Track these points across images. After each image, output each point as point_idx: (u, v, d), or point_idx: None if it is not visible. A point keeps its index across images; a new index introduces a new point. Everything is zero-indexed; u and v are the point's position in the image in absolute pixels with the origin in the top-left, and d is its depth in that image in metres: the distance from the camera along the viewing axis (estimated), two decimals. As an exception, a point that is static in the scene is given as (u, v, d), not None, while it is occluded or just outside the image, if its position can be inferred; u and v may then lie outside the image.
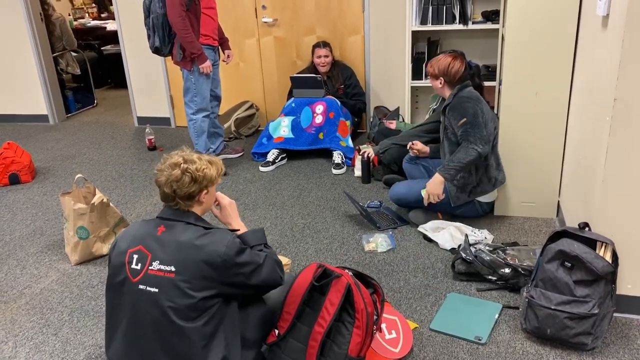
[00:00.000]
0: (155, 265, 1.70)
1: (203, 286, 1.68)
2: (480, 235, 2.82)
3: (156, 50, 3.79)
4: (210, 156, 1.88)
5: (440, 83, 2.97)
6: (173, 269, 1.68)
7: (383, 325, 2.13)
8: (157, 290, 1.68)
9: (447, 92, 2.99)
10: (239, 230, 1.95)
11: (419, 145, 3.29)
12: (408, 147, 3.34)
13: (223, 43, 4.09)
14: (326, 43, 4.41)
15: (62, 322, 2.43)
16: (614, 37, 2.03)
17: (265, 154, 4.20)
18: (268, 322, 1.93)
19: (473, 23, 3.98)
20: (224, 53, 4.11)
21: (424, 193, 2.92)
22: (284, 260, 2.51)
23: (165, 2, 3.57)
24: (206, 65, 3.74)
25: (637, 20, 1.88)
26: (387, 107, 4.58)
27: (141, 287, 1.70)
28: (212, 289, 1.70)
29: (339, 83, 4.42)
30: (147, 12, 3.71)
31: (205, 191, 1.80)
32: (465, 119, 2.80)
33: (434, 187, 2.86)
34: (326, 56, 4.36)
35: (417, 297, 2.45)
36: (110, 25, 7.24)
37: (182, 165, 1.76)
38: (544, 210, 3.08)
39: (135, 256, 1.73)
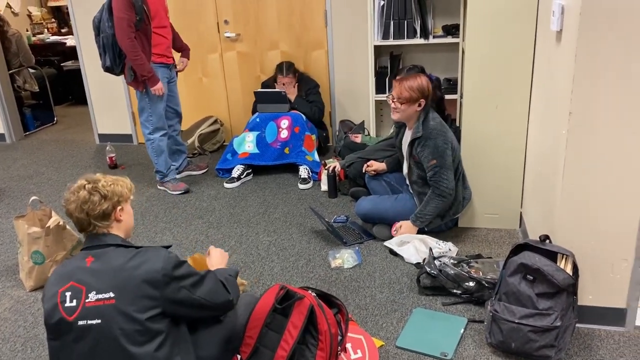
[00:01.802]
0: (92, 296, 1.62)
1: (146, 306, 1.62)
2: (445, 247, 2.83)
3: (108, 70, 3.69)
4: (114, 176, 1.85)
5: (420, 105, 2.84)
6: (112, 295, 1.61)
7: (348, 345, 2.10)
8: (99, 321, 1.60)
9: (413, 118, 2.89)
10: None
11: (375, 165, 3.34)
12: (364, 170, 3.37)
13: (183, 51, 3.98)
14: (290, 67, 4.31)
15: (15, 352, 2.32)
16: (567, 51, 2.07)
17: (230, 170, 4.15)
18: (231, 345, 1.88)
19: (434, 37, 4.02)
20: (182, 60, 4.01)
21: (394, 232, 3.01)
22: (240, 281, 2.46)
23: (114, 23, 3.44)
24: (158, 88, 3.62)
25: (589, 35, 1.92)
26: (353, 120, 4.59)
27: (80, 323, 1.61)
28: (156, 308, 1.64)
29: (302, 95, 4.39)
30: (97, 30, 3.58)
31: (119, 207, 1.77)
32: (435, 161, 2.81)
33: (407, 230, 2.96)
34: (289, 83, 4.30)
35: (383, 314, 2.43)
36: (70, 41, 7.07)
37: (86, 185, 1.73)
38: (507, 221, 3.11)
39: (68, 294, 1.64)
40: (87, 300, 1.62)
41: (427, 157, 2.83)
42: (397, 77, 2.92)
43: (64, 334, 1.65)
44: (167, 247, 1.82)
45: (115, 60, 3.59)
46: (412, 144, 2.91)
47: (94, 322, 1.61)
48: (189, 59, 4.01)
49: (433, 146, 2.81)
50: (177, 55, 3.98)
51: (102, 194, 1.72)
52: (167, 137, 3.89)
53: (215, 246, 2.04)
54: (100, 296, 1.62)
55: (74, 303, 1.63)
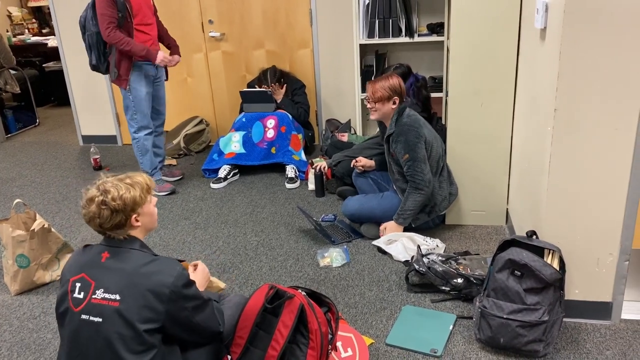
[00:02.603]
0: (99, 293, 1.61)
1: (147, 318, 1.60)
2: (432, 244, 2.84)
3: (94, 68, 3.71)
4: (132, 176, 1.75)
5: (394, 102, 2.92)
6: (118, 297, 1.60)
7: (339, 344, 2.10)
8: (100, 320, 1.60)
9: (389, 116, 2.96)
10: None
11: (363, 161, 3.35)
12: (352, 165, 3.38)
13: (172, 48, 3.93)
14: (274, 74, 4.27)
15: (1, 358, 2.28)
16: (551, 48, 2.09)
17: (216, 170, 4.12)
18: (220, 355, 1.87)
19: (419, 35, 4.04)
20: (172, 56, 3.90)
21: (381, 231, 3.02)
22: (220, 284, 2.43)
23: (97, 21, 3.49)
24: (161, 59, 3.63)
25: (573, 32, 1.94)
26: (339, 119, 4.59)
27: (84, 317, 1.61)
28: (156, 322, 1.62)
29: (288, 95, 4.38)
30: (83, 29, 3.63)
31: (134, 215, 1.69)
32: (407, 155, 2.86)
33: (393, 230, 2.97)
34: (275, 89, 4.26)
35: (372, 312, 2.44)
36: (52, 42, 6.99)
37: (96, 198, 1.65)
38: (493, 218, 3.14)
39: (78, 284, 1.64)
40: (93, 296, 1.62)
41: (401, 152, 2.89)
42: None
43: (67, 324, 1.64)
44: (181, 261, 1.80)
45: (100, 58, 3.63)
46: (387, 141, 2.98)
47: (95, 319, 1.60)
48: (180, 56, 3.92)
49: (404, 141, 2.87)
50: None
51: (111, 208, 1.64)
52: (152, 137, 3.85)
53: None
54: (106, 295, 1.61)
55: (82, 295, 1.63)
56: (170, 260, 1.70)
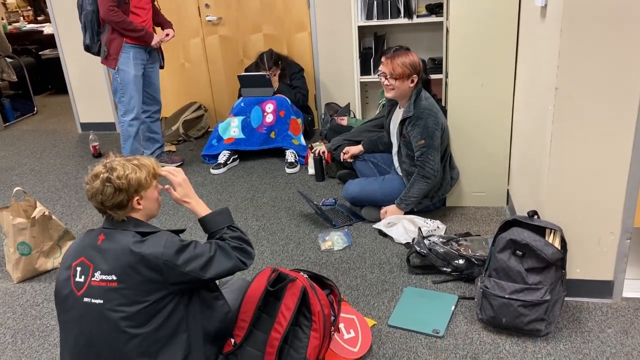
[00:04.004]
0: (97, 276, 1.62)
1: (150, 290, 1.61)
2: (433, 225, 2.84)
3: (87, 48, 3.72)
4: (140, 159, 1.75)
5: (413, 81, 2.82)
6: (114, 277, 1.61)
7: (341, 325, 2.11)
8: (101, 301, 1.61)
9: (406, 95, 2.86)
10: (198, 215, 1.86)
11: (350, 151, 3.36)
12: (342, 159, 3.39)
13: (164, 24, 3.88)
14: (270, 57, 4.21)
15: (5, 345, 2.30)
16: (552, 26, 2.07)
17: (216, 156, 4.11)
18: (230, 322, 1.87)
19: (418, 17, 4.01)
20: (167, 32, 3.87)
21: (382, 215, 3.01)
22: None
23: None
24: (157, 40, 3.69)
25: (574, 10, 1.92)
26: (338, 103, 4.57)
27: (86, 299, 1.63)
28: (161, 291, 1.63)
29: (286, 79, 4.35)
30: (80, 9, 3.64)
31: (137, 197, 1.69)
32: (423, 141, 2.79)
33: (393, 214, 2.96)
34: (272, 74, 4.23)
35: (374, 294, 2.44)
36: (48, 29, 6.94)
37: (102, 175, 1.65)
38: (494, 199, 3.13)
39: (79, 268, 1.66)
40: (92, 279, 1.63)
41: (416, 137, 2.82)
42: (387, 55, 2.88)
43: (70, 309, 1.65)
44: (179, 231, 1.79)
45: (93, 38, 3.66)
46: (402, 122, 2.90)
47: (96, 301, 1.61)
48: (173, 30, 3.87)
49: (423, 126, 2.79)
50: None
51: (115, 186, 1.63)
52: (138, 124, 3.82)
53: (204, 233, 1.89)
54: (103, 277, 1.62)
55: (82, 279, 1.64)
56: (160, 232, 1.69)
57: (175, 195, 1.86)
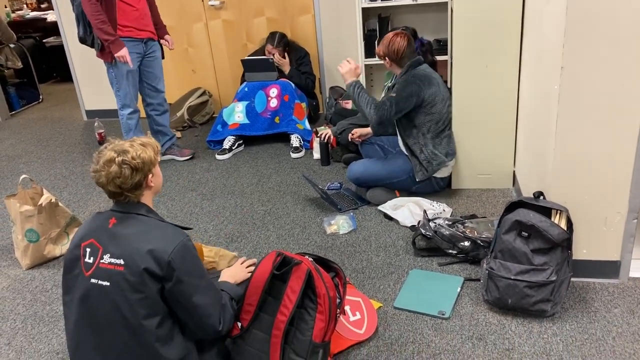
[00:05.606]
0: (106, 258, 1.64)
1: (150, 281, 1.62)
2: (439, 208, 2.84)
3: (81, 40, 3.61)
4: (140, 138, 1.78)
5: (388, 63, 2.98)
6: (122, 262, 1.62)
7: (347, 308, 2.12)
8: (108, 283, 1.63)
9: (398, 71, 3.01)
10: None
11: (358, 132, 3.36)
12: (350, 139, 3.36)
13: (159, 30, 3.78)
14: (282, 38, 4.19)
15: (16, 330, 2.33)
16: (558, 5, 2.03)
17: (221, 142, 4.11)
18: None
19: (422, -3, 3.95)
20: (164, 40, 3.82)
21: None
22: (229, 254, 2.44)
23: None
24: (121, 54, 3.45)
25: (580, -13, 1.88)
26: (343, 87, 4.53)
27: (93, 280, 1.65)
28: (159, 284, 1.65)
29: (293, 65, 4.33)
30: (72, 1, 3.55)
31: (150, 175, 1.73)
32: (394, 95, 2.86)
33: (344, 71, 2.99)
34: (278, 55, 4.20)
35: (380, 276, 2.45)
36: (51, 16, 6.92)
37: (116, 159, 1.67)
38: (500, 181, 3.12)
39: (88, 249, 1.68)
40: (101, 261, 1.65)
41: (394, 92, 2.89)
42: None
43: (77, 289, 1.67)
44: (186, 229, 1.79)
45: (86, 30, 3.54)
46: (394, 86, 2.99)
47: (103, 283, 1.63)
48: (168, 35, 3.82)
49: (402, 86, 2.87)
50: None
51: (132, 166, 1.66)
52: (137, 115, 3.77)
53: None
54: (112, 260, 1.64)
55: (91, 260, 1.66)
56: (175, 229, 1.71)
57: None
